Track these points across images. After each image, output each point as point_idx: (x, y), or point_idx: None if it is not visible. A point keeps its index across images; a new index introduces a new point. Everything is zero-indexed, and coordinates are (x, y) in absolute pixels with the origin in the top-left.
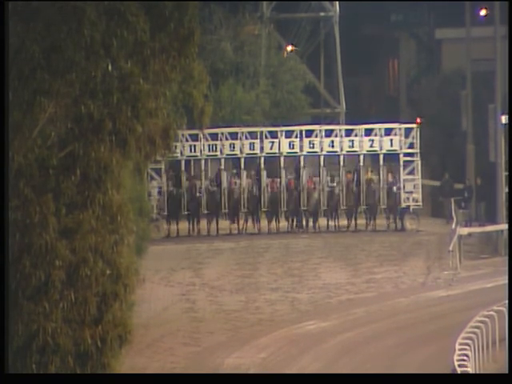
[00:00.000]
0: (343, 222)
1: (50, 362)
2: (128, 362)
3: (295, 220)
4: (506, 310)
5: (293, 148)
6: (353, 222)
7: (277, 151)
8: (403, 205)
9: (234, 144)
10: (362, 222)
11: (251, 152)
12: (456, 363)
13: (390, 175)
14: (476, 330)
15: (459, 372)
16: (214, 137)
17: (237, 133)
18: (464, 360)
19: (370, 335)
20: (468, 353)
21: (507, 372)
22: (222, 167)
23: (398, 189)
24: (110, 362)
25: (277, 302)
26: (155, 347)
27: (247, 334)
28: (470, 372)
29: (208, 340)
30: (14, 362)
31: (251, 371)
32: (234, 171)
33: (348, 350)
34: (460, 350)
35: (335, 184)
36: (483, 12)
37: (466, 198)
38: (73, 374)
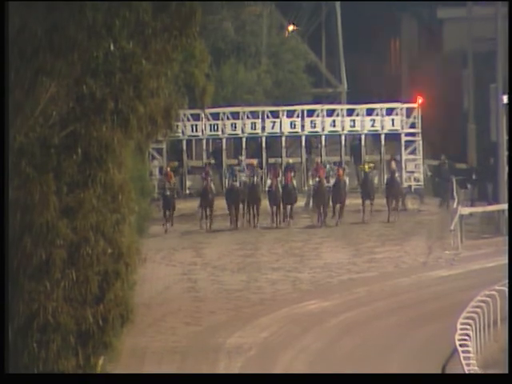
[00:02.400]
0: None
1: (52, 340)
2: (130, 342)
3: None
4: (507, 290)
5: (294, 128)
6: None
7: (278, 131)
8: (405, 184)
9: (235, 123)
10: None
11: (253, 132)
12: (457, 342)
13: (393, 163)
14: (477, 309)
15: (461, 351)
16: (216, 116)
17: (238, 112)
18: (465, 339)
19: (371, 315)
20: (469, 332)
21: (507, 368)
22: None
23: (401, 177)
24: (112, 341)
25: (278, 281)
26: (157, 326)
27: (249, 313)
28: (471, 353)
29: (209, 319)
30: (15, 341)
31: (253, 351)
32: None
33: (349, 329)
34: (461, 329)
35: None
36: None
37: (473, 179)
38: (73, 374)
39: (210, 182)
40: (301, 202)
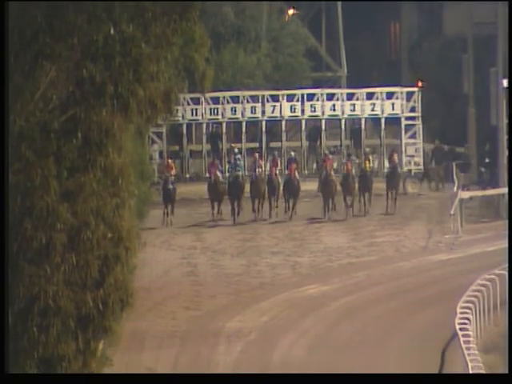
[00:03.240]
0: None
1: (52, 325)
2: (129, 326)
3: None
4: (507, 274)
5: (294, 112)
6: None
7: (278, 115)
8: (405, 169)
9: (235, 108)
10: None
11: (253, 116)
12: (457, 327)
13: (395, 156)
14: (477, 293)
15: (460, 335)
16: (216, 100)
17: (238, 96)
18: (465, 323)
19: (371, 299)
20: (469, 316)
21: (508, 371)
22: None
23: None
24: (112, 325)
25: (278, 265)
26: (157, 311)
27: (248, 297)
28: (471, 337)
29: (209, 304)
30: (15, 324)
31: (252, 335)
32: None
33: (349, 313)
34: (461, 313)
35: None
36: None
37: (487, 163)
38: (73, 374)
39: (218, 175)
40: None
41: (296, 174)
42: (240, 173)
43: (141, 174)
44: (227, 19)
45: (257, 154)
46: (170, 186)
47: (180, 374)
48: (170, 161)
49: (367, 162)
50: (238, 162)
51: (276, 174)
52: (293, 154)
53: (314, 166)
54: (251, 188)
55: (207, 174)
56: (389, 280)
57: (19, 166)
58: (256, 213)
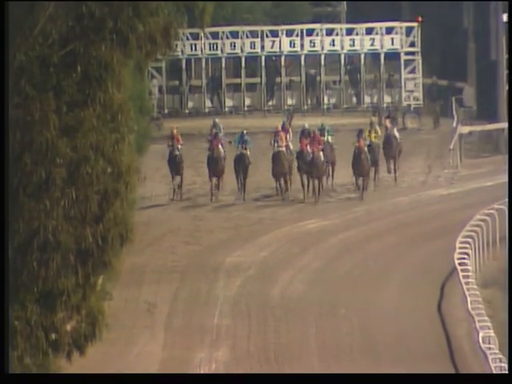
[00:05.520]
0: None
1: (51, 259)
2: (129, 260)
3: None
4: (506, 209)
5: (294, 47)
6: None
7: (278, 50)
8: (404, 104)
9: (234, 43)
10: None
11: (252, 51)
12: (456, 262)
13: (387, 121)
14: (476, 228)
15: (460, 270)
16: (215, 35)
17: (238, 32)
18: (464, 258)
19: (370, 234)
20: (468, 251)
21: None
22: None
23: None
24: (111, 260)
25: (278, 200)
26: (156, 246)
27: (248, 232)
28: (470, 272)
29: (209, 238)
30: (15, 259)
31: (252, 270)
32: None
33: (349, 247)
34: (460, 248)
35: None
36: None
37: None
38: (73, 374)
39: (220, 150)
40: None
41: (308, 148)
42: (247, 151)
43: (140, 109)
44: None
45: (279, 125)
46: (177, 155)
47: (180, 374)
48: (175, 131)
49: (374, 132)
50: (245, 138)
51: (288, 146)
52: (306, 125)
53: (315, 100)
54: (273, 165)
55: (209, 146)
56: (388, 215)
57: (19, 101)
58: (280, 192)
